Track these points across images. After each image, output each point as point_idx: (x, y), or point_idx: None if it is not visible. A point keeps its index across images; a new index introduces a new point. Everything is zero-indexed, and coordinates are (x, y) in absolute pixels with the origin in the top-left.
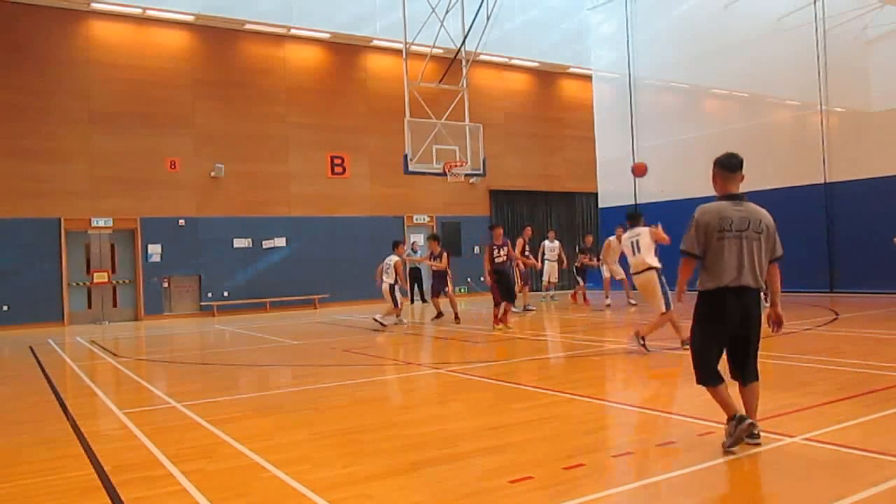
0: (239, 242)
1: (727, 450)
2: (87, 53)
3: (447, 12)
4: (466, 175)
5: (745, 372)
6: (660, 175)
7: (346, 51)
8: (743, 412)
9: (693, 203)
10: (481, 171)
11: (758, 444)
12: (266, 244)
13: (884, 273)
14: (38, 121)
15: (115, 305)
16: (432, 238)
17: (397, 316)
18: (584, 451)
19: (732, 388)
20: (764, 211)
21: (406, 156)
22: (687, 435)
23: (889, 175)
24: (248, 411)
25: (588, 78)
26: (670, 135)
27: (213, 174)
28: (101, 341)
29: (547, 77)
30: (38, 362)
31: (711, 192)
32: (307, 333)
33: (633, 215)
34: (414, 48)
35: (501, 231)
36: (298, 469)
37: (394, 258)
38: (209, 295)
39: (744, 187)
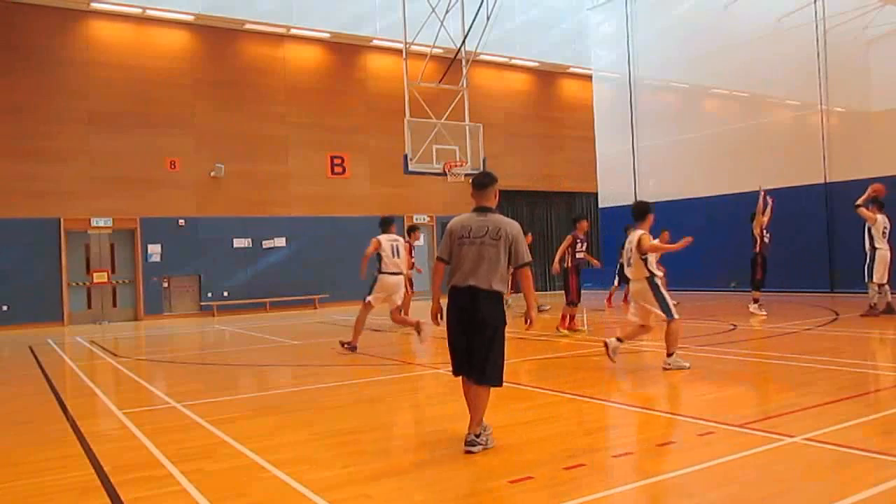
0: (239, 242)
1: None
2: (86, 53)
3: (447, 12)
4: (466, 175)
5: (471, 370)
6: (660, 175)
7: (345, 51)
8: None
9: (693, 203)
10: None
11: (470, 452)
12: (266, 244)
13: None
14: (38, 121)
15: (114, 305)
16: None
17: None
18: (584, 451)
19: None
20: (509, 222)
21: (406, 156)
22: (687, 435)
23: (889, 175)
24: (248, 411)
25: (588, 78)
26: (670, 135)
27: (213, 174)
28: (101, 341)
29: (547, 77)
30: (38, 362)
31: (712, 192)
32: (307, 333)
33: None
34: (414, 48)
35: (587, 224)
36: (298, 469)
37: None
38: (209, 295)
39: (742, 187)
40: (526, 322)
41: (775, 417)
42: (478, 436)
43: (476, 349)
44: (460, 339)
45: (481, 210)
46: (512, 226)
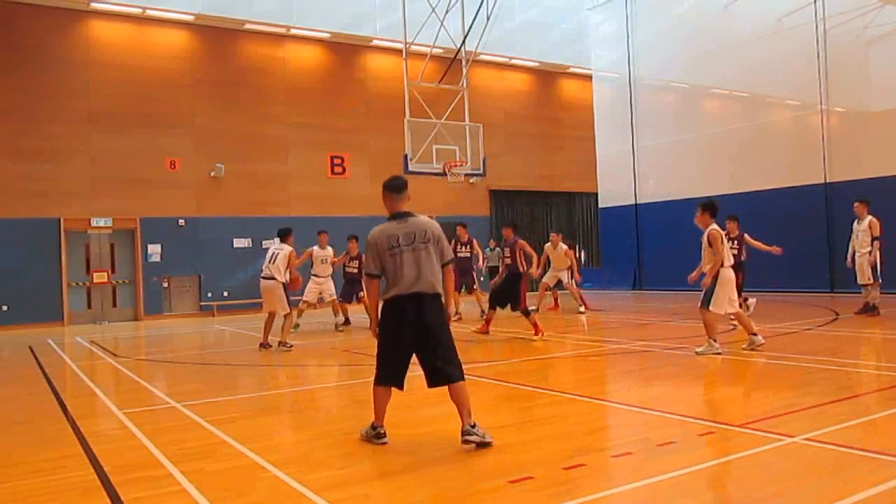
0: (239, 242)
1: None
2: (87, 53)
3: (447, 12)
4: (466, 175)
5: (438, 375)
6: (660, 175)
7: (345, 51)
8: (384, 427)
9: (693, 203)
10: (481, 171)
11: (471, 444)
12: (266, 244)
13: (884, 273)
14: (38, 121)
15: (114, 305)
16: (352, 238)
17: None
18: (584, 451)
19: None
20: (429, 222)
21: (406, 156)
22: (687, 435)
23: (889, 175)
24: (248, 411)
25: (588, 78)
26: (670, 135)
27: (213, 174)
28: (101, 341)
29: (547, 77)
30: (38, 362)
31: (711, 192)
32: (307, 334)
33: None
34: (414, 48)
35: (511, 229)
36: (298, 469)
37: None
38: (209, 295)
39: (743, 187)
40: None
41: (775, 417)
42: (473, 426)
43: (440, 353)
44: (402, 348)
45: (400, 216)
46: (434, 225)
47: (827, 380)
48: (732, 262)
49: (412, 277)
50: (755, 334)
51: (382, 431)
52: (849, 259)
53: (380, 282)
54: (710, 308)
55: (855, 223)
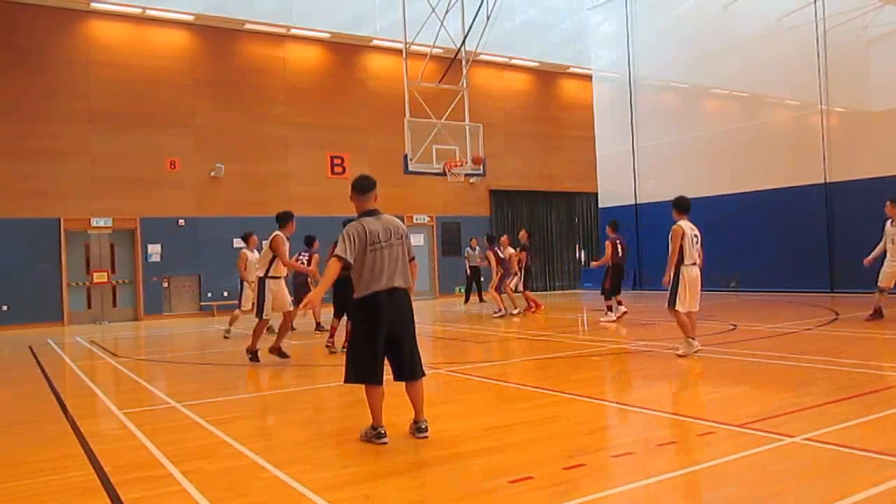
0: (239, 242)
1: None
2: (87, 53)
3: (447, 12)
4: (466, 175)
5: (408, 369)
6: (660, 175)
7: (345, 51)
8: (383, 426)
9: (693, 202)
10: (481, 171)
11: (426, 437)
12: (266, 244)
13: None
14: (38, 121)
15: (114, 305)
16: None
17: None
18: (584, 451)
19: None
20: (397, 220)
21: (406, 156)
22: (687, 435)
23: (889, 175)
24: (248, 411)
25: (588, 78)
26: (670, 135)
27: (213, 174)
28: (101, 341)
29: (547, 77)
30: (38, 362)
31: (711, 192)
32: (307, 333)
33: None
34: (414, 48)
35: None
36: (298, 469)
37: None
38: (209, 295)
39: (743, 187)
40: None
41: (775, 417)
42: (424, 422)
43: (406, 350)
44: (380, 342)
45: (374, 213)
46: (402, 224)
47: (827, 380)
48: (696, 260)
49: (390, 273)
50: (693, 338)
51: (383, 431)
52: (870, 257)
53: (342, 266)
54: (676, 307)
55: (888, 224)
